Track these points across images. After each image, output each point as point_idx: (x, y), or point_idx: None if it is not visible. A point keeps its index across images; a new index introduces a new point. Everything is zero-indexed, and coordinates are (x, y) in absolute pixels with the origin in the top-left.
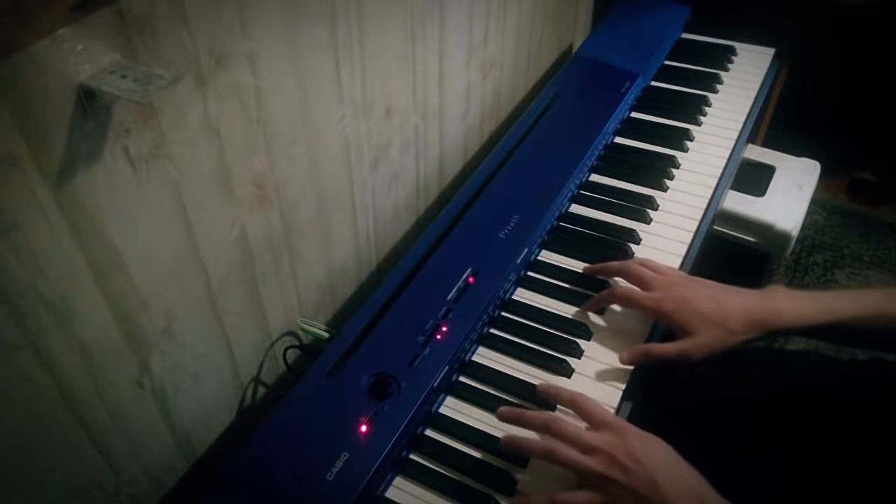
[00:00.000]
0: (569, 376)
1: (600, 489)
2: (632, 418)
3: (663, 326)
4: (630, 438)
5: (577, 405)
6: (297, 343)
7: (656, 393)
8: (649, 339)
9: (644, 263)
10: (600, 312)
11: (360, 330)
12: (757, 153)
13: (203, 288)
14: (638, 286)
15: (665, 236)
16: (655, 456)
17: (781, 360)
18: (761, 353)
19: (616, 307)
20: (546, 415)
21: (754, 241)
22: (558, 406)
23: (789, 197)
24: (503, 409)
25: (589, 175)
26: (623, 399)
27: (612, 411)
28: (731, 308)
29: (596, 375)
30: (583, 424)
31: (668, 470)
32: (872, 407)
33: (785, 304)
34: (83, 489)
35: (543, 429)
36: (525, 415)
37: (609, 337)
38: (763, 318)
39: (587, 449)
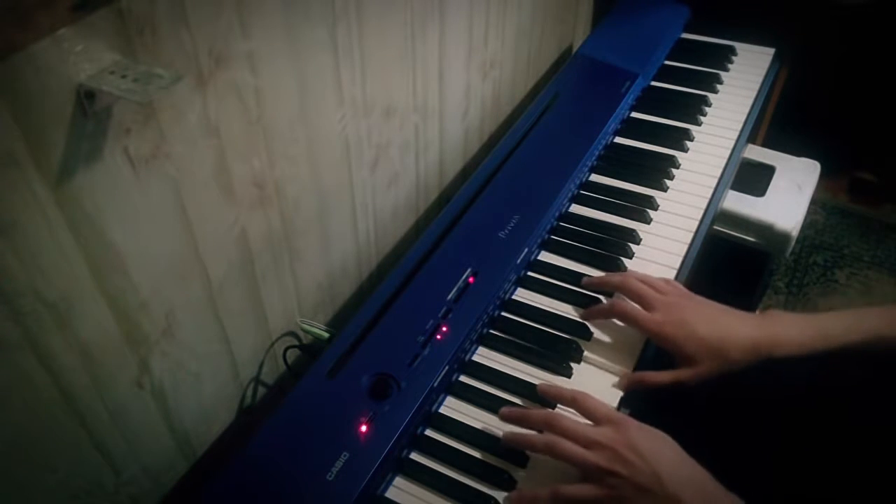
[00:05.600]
0: (569, 376)
1: (602, 483)
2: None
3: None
4: (631, 432)
5: (578, 402)
6: (297, 343)
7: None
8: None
9: (644, 280)
10: None
11: (360, 330)
12: (757, 153)
13: (203, 288)
14: (638, 304)
15: (665, 236)
16: (657, 448)
17: (782, 360)
18: None
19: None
20: (547, 412)
21: (754, 241)
22: (559, 406)
23: (789, 197)
24: (505, 409)
25: (589, 175)
26: (623, 399)
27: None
28: (731, 337)
29: (596, 376)
30: (584, 422)
31: (671, 462)
32: (873, 407)
33: (785, 331)
34: (83, 489)
35: (545, 425)
36: (527, 414)
37: (609, 338)
38: (763, 348)
39: (588, 443)
